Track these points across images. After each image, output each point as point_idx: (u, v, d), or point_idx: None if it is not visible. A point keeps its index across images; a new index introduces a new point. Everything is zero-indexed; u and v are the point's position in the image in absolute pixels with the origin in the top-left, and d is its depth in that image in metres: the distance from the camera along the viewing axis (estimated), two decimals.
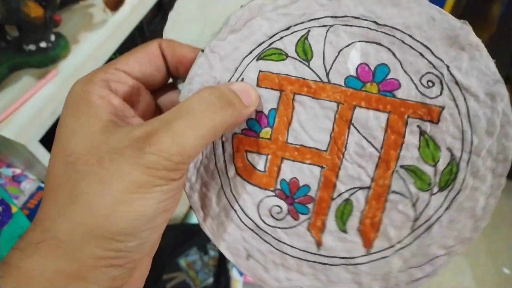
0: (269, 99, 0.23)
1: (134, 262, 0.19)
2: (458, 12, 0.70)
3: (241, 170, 0.23)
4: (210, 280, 0.88)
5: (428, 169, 0.22)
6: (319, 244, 0.23)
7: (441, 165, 0.21)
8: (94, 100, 0.20)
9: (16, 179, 0.55)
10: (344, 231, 0.22)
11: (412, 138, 0.22)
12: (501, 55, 0.60)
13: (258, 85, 0.23)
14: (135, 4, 0.65)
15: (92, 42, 0.60)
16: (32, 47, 0.54)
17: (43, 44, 0.54)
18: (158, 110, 0.25)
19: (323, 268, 0.23)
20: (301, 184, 0.23)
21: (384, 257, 0.22)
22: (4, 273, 0.18)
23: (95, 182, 0.18)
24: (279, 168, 0.23)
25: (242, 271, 0.23)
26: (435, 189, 0.21)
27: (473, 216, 0.21)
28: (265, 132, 0.23)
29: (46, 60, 0.56)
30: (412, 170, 0.22)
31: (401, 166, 0.22)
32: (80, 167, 0.19)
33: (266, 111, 0.23)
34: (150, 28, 0.67)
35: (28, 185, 0.56)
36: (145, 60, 0.22)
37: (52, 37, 0.55)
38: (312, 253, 0.23)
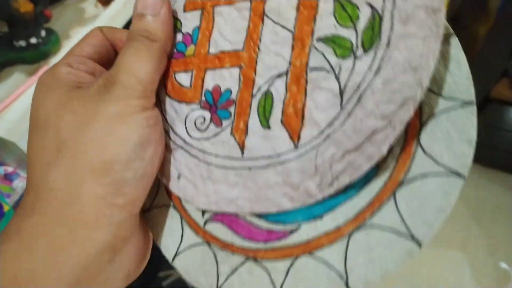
0: (193, 19, 0.23)
1: (134, 204, 0.20)
2: (457, 4, 0.69)
3: (169, 91, 0.23)
4: None
5: (347, 33, 0.19)
6: (242, 147, 0.21)
7: (362, 23, 0.19)
8: (62, 76, 0.21)
9: (8, 178, 0.54)
10: (268, 127, 0.20)
11: (326, 6, 0.19)
12: (499, 48, 0.59)
13: (184, 11, 0.24)
14: None
15: None
16: (22, 43, 0.53)
17: (33, 40, 0.54)
18: None
19: (250, 174, 0.20)
20: (223, 89, 0.22)
21: (313, 147, 0.19)
22: (3, 239, 0.18)
23: (74, 127, 0.19)
24: (203, 80, 0.22)
25: (175, 193, 0.22)
26: (359, 52, 0.18)
27: (411, 67, 0.17)
28: (190, 49, 0.23)
29: (38, 56, 0.55)
30: (330, 39, 0.19)
31: (318, 39, 0.19)
32: (53, 122, 0.20)
33: (191, 31, 0.23)
34: None
35: (21, 184, 0.55)
36: (97, 42, 0.24)
37: (43, 33, 0.55)
38: (237, 159, 0.21)
